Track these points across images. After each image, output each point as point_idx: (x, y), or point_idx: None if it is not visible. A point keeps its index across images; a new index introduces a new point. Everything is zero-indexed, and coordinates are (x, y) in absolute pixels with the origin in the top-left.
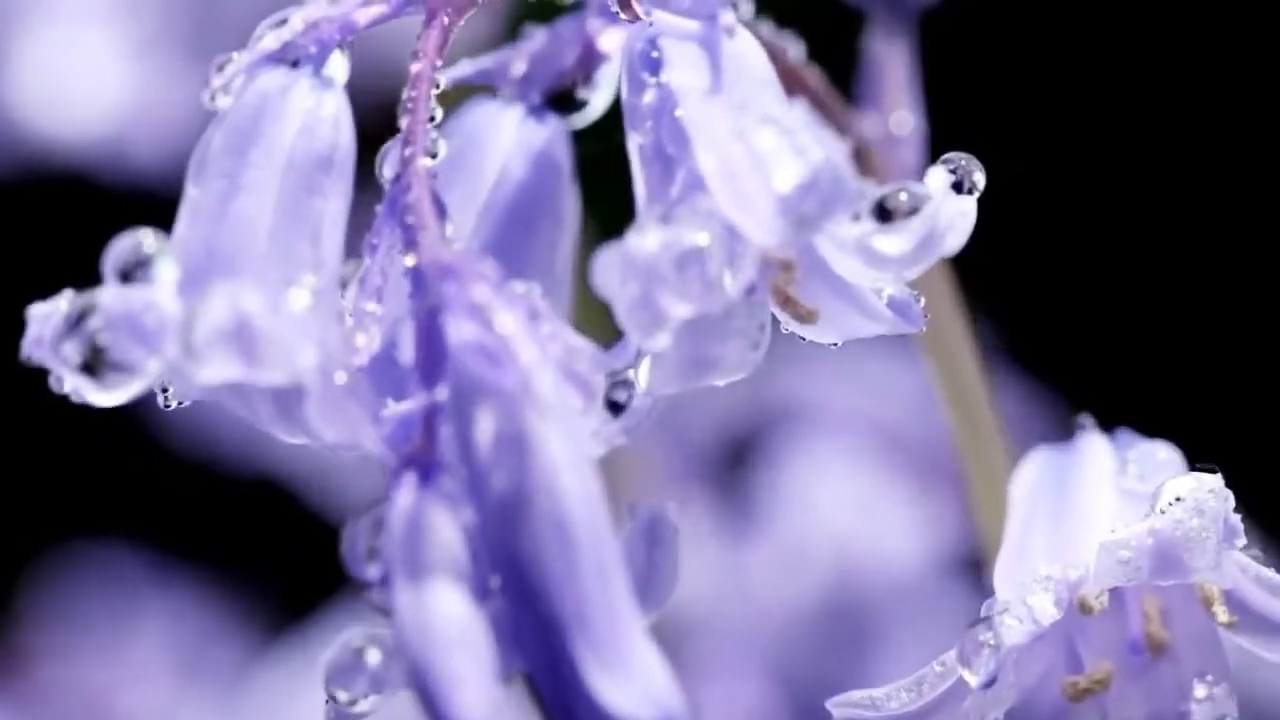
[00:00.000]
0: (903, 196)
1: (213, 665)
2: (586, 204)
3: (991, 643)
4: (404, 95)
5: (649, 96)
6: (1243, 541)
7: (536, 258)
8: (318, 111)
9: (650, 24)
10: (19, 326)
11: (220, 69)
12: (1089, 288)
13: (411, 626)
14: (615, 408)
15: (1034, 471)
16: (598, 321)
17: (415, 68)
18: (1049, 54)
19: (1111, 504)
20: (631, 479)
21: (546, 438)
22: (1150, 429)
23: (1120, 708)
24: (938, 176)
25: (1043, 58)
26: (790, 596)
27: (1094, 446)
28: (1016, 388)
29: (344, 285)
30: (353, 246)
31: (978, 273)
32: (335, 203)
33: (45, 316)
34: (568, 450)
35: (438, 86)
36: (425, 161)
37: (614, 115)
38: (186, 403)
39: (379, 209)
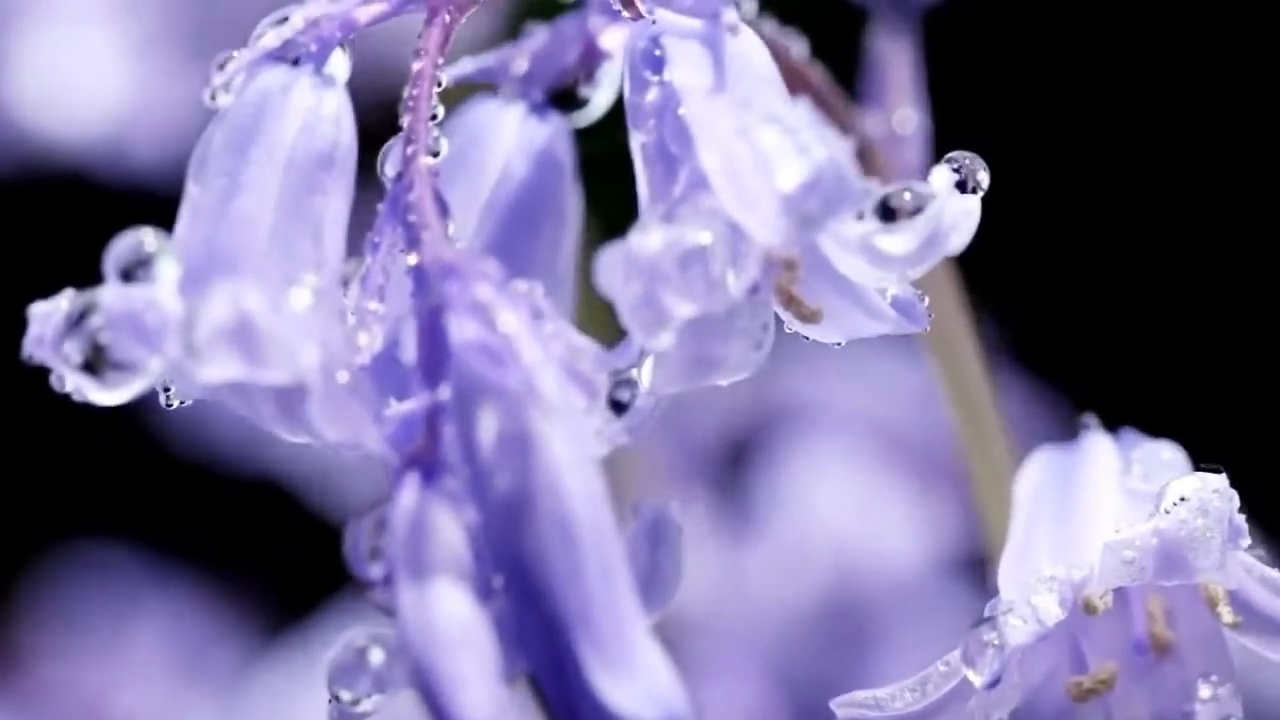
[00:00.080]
0: (907, 195)
1: (211, 665)
2: (588, 203)
3: (996, 643)
4: (406, 93)
5: (652, 95)
6: (1247, 542)
7: (538, 257)
8: (319, 110)
9: (653, 22)
10: (18, 326)
11: (221, 67)
12: (1092, 287)
13: (415, 626)
14: (618, 407)
15: (1038, 471)
16: (599, 321)
17: (417, 65)
18: (1053, 52)
19: (1116, 504)
20: (632, 479)
21: (550, 438)
22: (1154, 429)
23: (1124, 708)
24: (942, 175)
25: (1047, 56)
26: (790, 597)
27: (1098, 446)
28: (1020, 387)
29: (344, 284)
30: (351, 245)
31: (981, 272)
32: (336, 201)
33: (46, 315)
34: (571, 450)
35: (439, 84)
36: (427, 160)
37: (615, 113)
38: (188, 402)
39: (380, 207)
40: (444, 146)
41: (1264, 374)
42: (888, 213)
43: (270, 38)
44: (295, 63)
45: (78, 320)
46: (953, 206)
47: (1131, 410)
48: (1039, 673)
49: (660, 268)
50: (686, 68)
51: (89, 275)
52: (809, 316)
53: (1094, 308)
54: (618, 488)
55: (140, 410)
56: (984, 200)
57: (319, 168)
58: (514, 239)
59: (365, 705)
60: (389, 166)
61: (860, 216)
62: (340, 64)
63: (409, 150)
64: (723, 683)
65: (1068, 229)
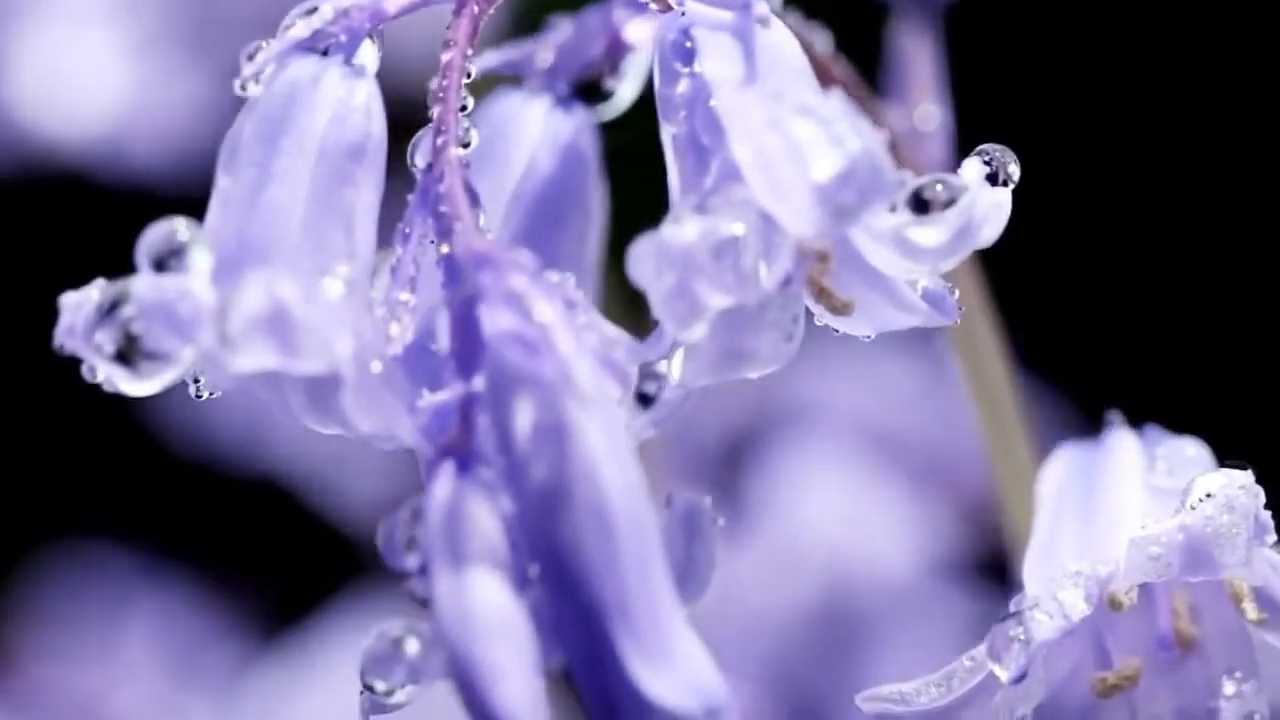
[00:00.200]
0: (939, 187)
1: (208, 666)
2: (613, 195)
3: (1022, 638)
4: (435, 84)
5: (682, 87)
6: (1273, 538)
7: (565, 250)
8: (349, 100)
9: (683, 13)
10: (18, 326)
11: (250, 57)
12: (1115, 284)
13: (451, 616)
14: (645, 400)
15: (1062, 468)
16: (621, 316)
17: (446, 56)
18: (1075, 49)
19: (1140, 501)
20: None
21: (586, 427)
22: (1178, 426)
23: (1149, 704)
24: (973, 168)
25: (1068, 52)
26: (784, 599)
27: (1122, 443)
28: (1042, 385)
29: (374, 275)
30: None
31: (1003, 269)
32: (367, 192)
33: (78, 305)
34: (607, 440)
35: (468, 76)
36: (457, 151)
37: (638, 106)
38: (218, 393)
39: (411, 198)
40: (474, 137)
41: None
42: (920, 205)
43: (300, 28)
44: (325, 53)
45: (109, 310)
46: (984, 199)
47: (1155, 407)
48: (1063, 668)
49: (694, 259)
50: (717, 59)
51: (89, 275)
52: (840, 309)
53: (1116, 304)
54: None
55: (140, 410)
56: None
57: (350, 159)
58: (540, 232)
59: (399, 696)
60: (419, 157)
61: (893, 208)
62: (370, 54)
63: (439, 141)
64: None
65: (1089, 226)
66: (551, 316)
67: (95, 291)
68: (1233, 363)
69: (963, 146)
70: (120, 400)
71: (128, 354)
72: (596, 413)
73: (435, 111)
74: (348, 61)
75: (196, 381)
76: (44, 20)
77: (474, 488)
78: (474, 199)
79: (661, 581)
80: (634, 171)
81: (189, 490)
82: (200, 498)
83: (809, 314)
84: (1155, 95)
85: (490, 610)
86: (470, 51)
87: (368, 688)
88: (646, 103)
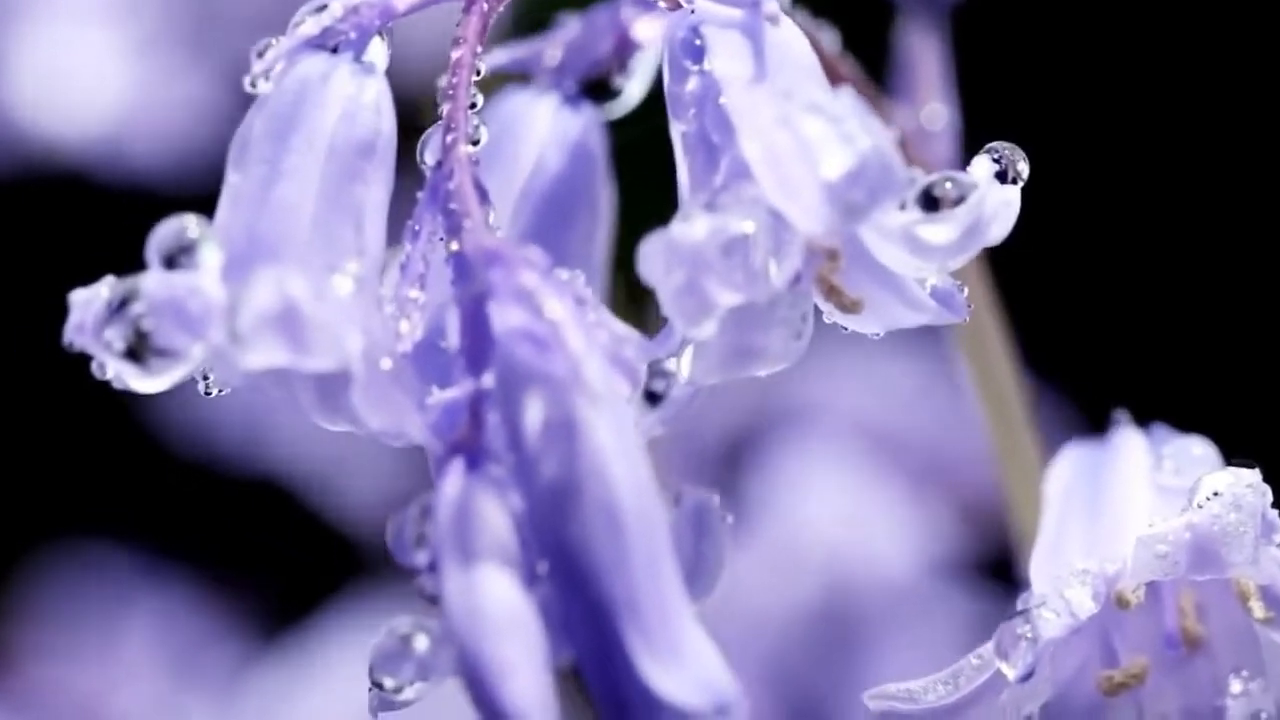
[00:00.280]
0: (949, 185)
1: (208, 666)
2: (620, 193)
3: (1029, 636)
4: (444, 81)
5: (692, 84)
6: None
7: (573, 249)
8: (359, 98)
9: (692, 11)
10: (17, 325)
11: (260, 54)
12: (1121, 283)
13: (461, 612)
14: (652, 398)
15: (1069, 467)
16: (626, 314)
17: (456, 54)
18: (1082, 48)
19: (1147, 499)
20: None
21: (596, 425)
22: (1185, 424)
23: (1155, 702)
24: (982, 165)
25: (1076, 52)
26: (784, 599)
27: (1129, 442)
28: (1049, 384)
29: (383, 272)
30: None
31: (1009, 269)
32: (377, 190)
33: (87, 302)
34: (617, 437)
35: (478, 73)
36: (467, 148)
37: (645, 103)
38: (227, 390)
39: (420, 195)
40: (484, 134)
41: None
42: (930, 202)
43: (309, 25)
44: (334, 50)
45: (119, 307)
46: (994, 197)
47: (1162, 406)
48: (1070, 666)
49: (704, 256)
50: (727, 57)
51: (89, 275)
52: (850, 307)
53: (1124, 303)
54: None
55: (140, 410)
56: None
57: (360, 156)
58: (548, 230)
59: (408, 693)
60: (429, 154)
61: (903, 206)
62: (379, 52)
63: (448, 138)
64: None
65: (1095, 226)
66: (562, 313)
67: (105, 288)
68: (1240, 362)
69: (969, 146)
70: (120, 400)
71: (137, 351)
72: (606, 410)
73: (445, 109)
74: (358, 59)
75: (205, 379)
76: (44, 20)
77: (484, 484)
78: (483, 196)
79: (671, 579)
80: (640, 168)
81: (189, 490)
82: (200, 498)
83: (816, 312)
84: (1162, 95)
85: (500, 607)
86: (480, 49)
87: (376, 684)
88: (653, 99)
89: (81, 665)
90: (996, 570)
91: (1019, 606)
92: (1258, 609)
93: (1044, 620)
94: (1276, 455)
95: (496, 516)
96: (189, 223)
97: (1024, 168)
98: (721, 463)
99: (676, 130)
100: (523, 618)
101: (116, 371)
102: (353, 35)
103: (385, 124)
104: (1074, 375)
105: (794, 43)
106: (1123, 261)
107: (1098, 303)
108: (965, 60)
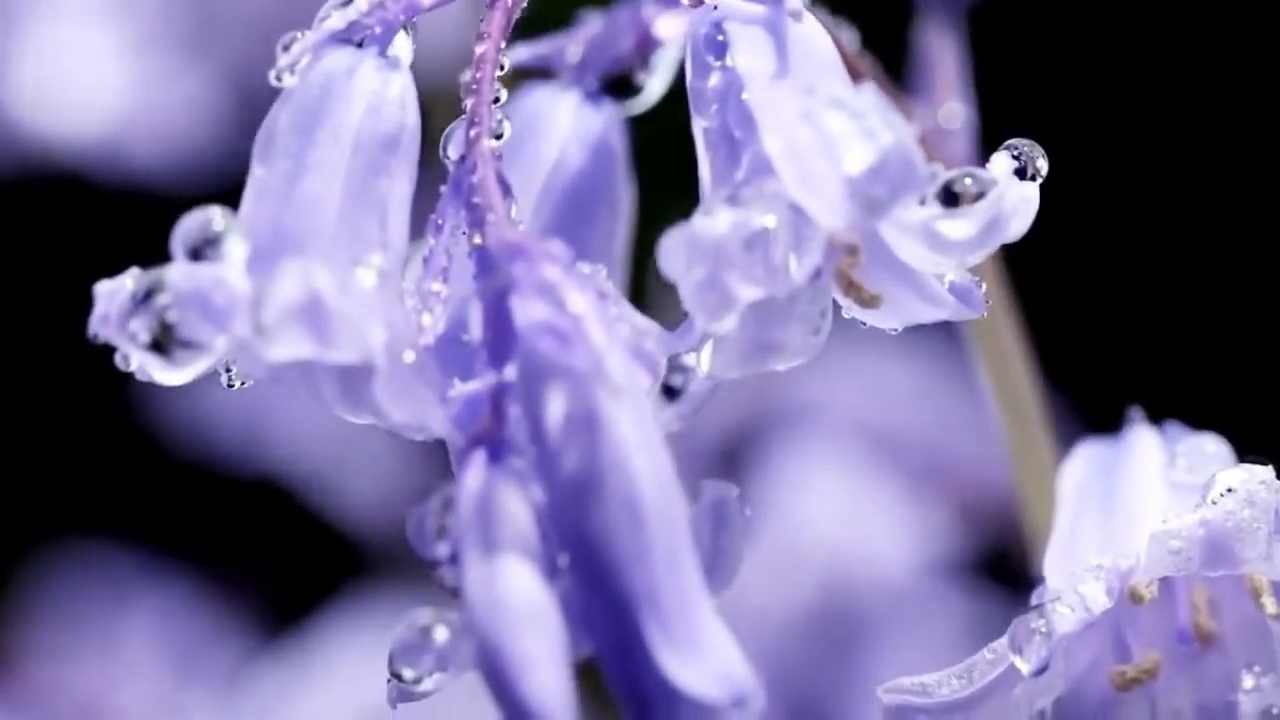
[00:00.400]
0: (968, 181)
1: (208, 665)
2: (640, 189)
3: (1043, 630)
4: (468, 76)
5: (715, 80)
6: None
7: (593, 245)
8: (384, 93)
9: (715, 7)
10: (16, 325)
11: (286, 48)
12: (1136, 281)
13: (482, 605)
14: (669, 393)
15: (1083, 465)
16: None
17: (480, 48)
18: (1099, 47)
19: (1161, 496)
20: None
21: (618, 418)
22: (1198, 422)
23: (1168, 698)
24: (1002, 162)
25: (1093, 51)
26: (784, 599)
27: (1143, 439)
28: (1063, 381)
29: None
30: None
31: (1024, 267)
32: (401, 184)
33: (112, 293)
34: (639, 430)
35: (502, 68)
36: (490, 142)
37: (665, 98)
38: (249, 383)
39: (443, 189)
40: (507, 129)
41: None
42: (950, 198)
43: (335, 19)
44: (359, 45)
45: (144, 298)
46: (1013, 193)
47: (1176, 403)
48: (1083, 661)
49: (725, 250)
50: (749, 53)
51: (88, 275)
52: (869, 302)
53: (1138, 301)
54: None
55: (140, 410)
56: None
57: (384, 150)
58: (569, 227)
59: (427, 684)
60: (452, 149)
61: (923, 201)
62: (404, 46)
63: (472, 133)
64: None
65: (1111, 224)
66: (584, 307)
67: (130, 280)
68: (1253, 359)
69: (987, 145)
70: (120, 400)
71: (162, 342)
72: (628, 403)
73: (468, 103)
74: (383, 53)
75: (229, 371)
76: (43, 20)
77: (505, 477)
78: (506, 190)
79: (691, 572)
80: (660, 165)
81: (189, 490)
82: (200, 497)
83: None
84: (1179, 96)
85: (521, 599)
86: (503, 44)
87: (395, 675)
88: (673, 96)
89: (81, 665)
90: (996, 570)
91: (1033, 601)
92: (1270, 605)
93: (1058, 615)
94: None
95: (518, 509)
96: (214, 215)
97: (1043, 164)
98: (721, 462)
99: (698, 126)
100: (544, 610)
101: (140, 363)
102: (378, 30)
103: (410, 118)
104: (1088, 372)
105: (816, 38)
106: (1137, 259)
107: (1113, 300)
108: (983, 59)
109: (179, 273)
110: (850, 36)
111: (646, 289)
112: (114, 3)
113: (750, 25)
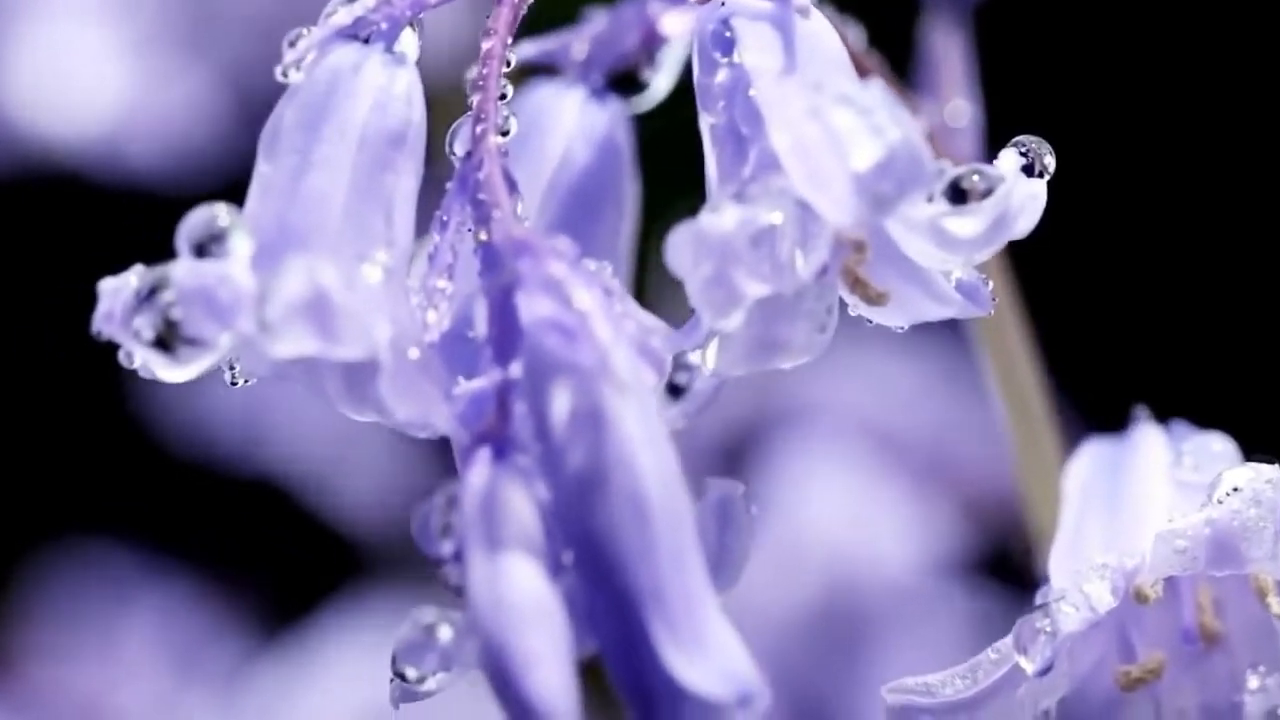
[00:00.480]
0: (976, 178)
1: (208, 665)
2: (645, 186)
3: (1048, 630)
4: (475, 72)
5: (722, 76)
6: None
7: (599, 242)
8: (390, 89)
9: (722, 3)
10: (16, 325)
11: (292, 44)
12: (1142, 279)
13: (486, 603)
14: (674, 391)
15: (1088, 463)
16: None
17: (486, 45)
18: (1106, 45)
19: (1167, 495)
20: None
21: (623, 415)
22: (1204, 421)
23: (1173, 697)
24: (1009, 159)
25: (1099, 49)
26: (787, 599)
27: (1148, 438)
28: (1068, 379)
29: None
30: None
31: (1030, 265)
32: (406, 180)
33: (116, 290)
34: (644, 427)
35: (508, 64)
36: (496, 139)
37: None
38: (252, 380)
39: (449, 185)
40: (513, 125)
41: None
42: (957, 195)
43: (342, 15)
44: (366, 41)
45: (148, 295)
46: (1020, 190)
47: (1182, 402)
48: (1088, 661)
49: (732, 247)
50: (757, 49)
51: (87, 275)
52: (875, 299)
53: (1145, 299)
54: None
55: (140, 410)
56: None
57: (391, 146)
58: (574, 223)
59: (430, 684)
60: (458, 145)
61: (930, 198)
62: (411, 42)
63: (478, 129)
64: None
65: (1117, 222)
66: (590, 304)
67: (134, 277)
68: (1259, 358)
69: (993, 143)
70: (120, 400)
71: (166, 340)
72: (633, 400)
73: (474, 100)
74: (389, 49)
75: (232, 368)
76: (43, 20)
77: (510, 474)
78: (512, 187)
79: (696, 569)
80: (665, 161)
81: (189, 490)
82: (200, 497)
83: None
84: (1185, 94)
85: (525, 597)
86: (510, 40)
87: (399, 675)
88: (678, 93)
89: (81, 665)
90: (1001, 569)
91: (1038, 601)
92: (1276, 605)
93: (1063, 614)
94: None
95: (523, 506)
96: (219, 211)
97: (1050, 161)
98: (724, 461)
99: (705, 122)
100: (548, 608)
101: (144, 360)
102: (384, 26)
103: (416, 114)
104: (1094, 371)
105: (824, 34)
106: (1143, 257)
107: (1119, 298)
108: (989, 56)
109: (183, 269)
110: (857, 33)
111: (652, 286)
112: (113, 3)
113: (758, 21)
